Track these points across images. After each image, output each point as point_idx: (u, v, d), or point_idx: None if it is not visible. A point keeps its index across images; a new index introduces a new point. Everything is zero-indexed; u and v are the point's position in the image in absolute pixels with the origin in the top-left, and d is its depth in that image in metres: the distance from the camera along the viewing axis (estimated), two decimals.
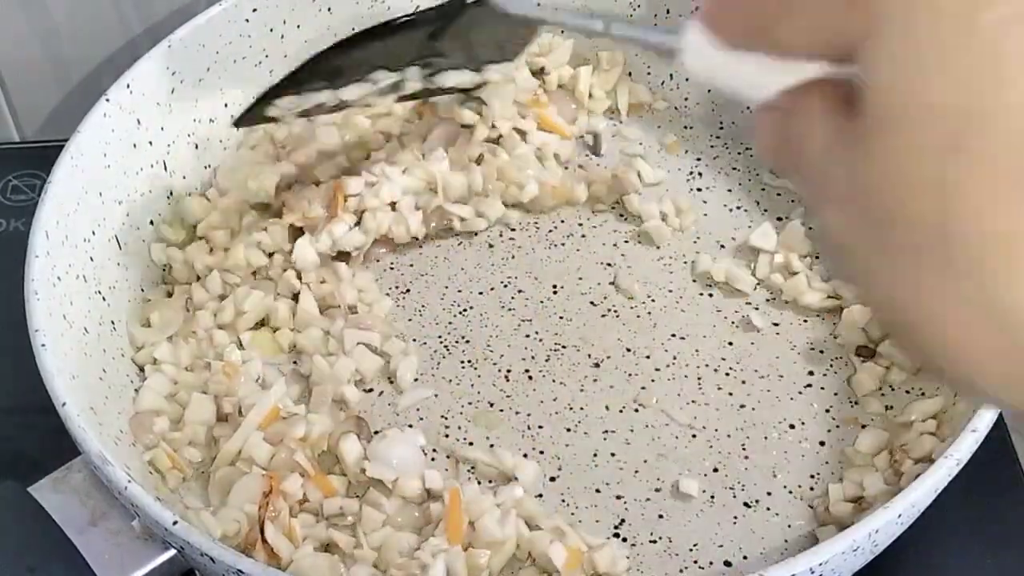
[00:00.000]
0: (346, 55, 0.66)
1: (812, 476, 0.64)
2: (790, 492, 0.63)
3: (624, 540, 0.61)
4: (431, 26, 0.66)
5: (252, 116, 0.67)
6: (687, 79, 0.82)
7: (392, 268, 0.75)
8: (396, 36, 0.66)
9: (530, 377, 0.69)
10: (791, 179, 0.36)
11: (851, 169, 0.32)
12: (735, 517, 0.62)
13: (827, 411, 0.66)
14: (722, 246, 0.75)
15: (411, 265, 0.75)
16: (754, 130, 0.37)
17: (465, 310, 0.72)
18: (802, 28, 0.33)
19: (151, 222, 0.73)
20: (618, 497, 0.63)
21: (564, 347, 0.70)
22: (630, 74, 0.83)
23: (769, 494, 0.63)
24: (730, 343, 0.70)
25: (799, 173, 0.34)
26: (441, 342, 0.71)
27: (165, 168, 0.74)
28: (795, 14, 0.33)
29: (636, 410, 0.67)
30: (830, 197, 0.33)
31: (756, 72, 0.37)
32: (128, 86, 0.71)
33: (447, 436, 0.66)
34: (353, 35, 0.66)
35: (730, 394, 0.67)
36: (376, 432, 0.66)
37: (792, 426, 0.66)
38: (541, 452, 0.65)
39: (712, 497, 0.63)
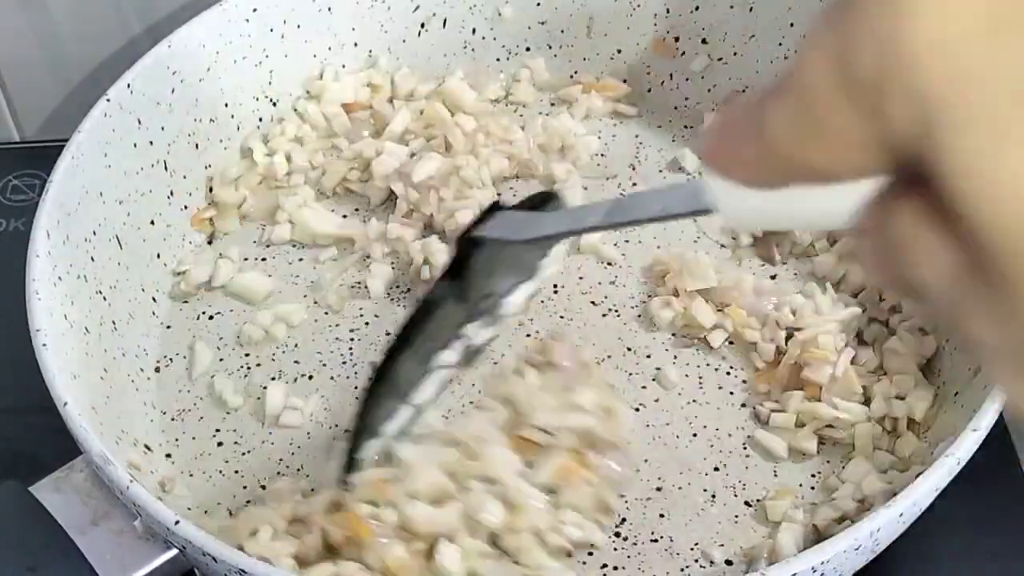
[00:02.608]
0: (393, 372, 0.62)
1: (813, 475, 0.64)
2: (791, 492, 0.63)
3: (625, 539, 0.61)
4: (453, 291, 0.62)
5: (349, 473, 0.61)
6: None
7: (392, 268, 0.75)
8: (429, 320, 0.62)
9: None
10: (910, 299, 0.30)
11: (992, 303, 0.27)
12: (736, 516, 0.62)
13: None
14: (722, 246, 0.75)
15: (411, 264, 0.75)
16: (861, 257, 0.31)
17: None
18: (836, 150, 0.28)
19: (152, 222, 0.73)
20: (619, 496, 0.63)
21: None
22: (624, 80, 0.84)
23: (769, 493, 0.63)
24: (730, 343, 0.70)
25: (927, 300, 0.29)
26: None
27: (165, 168, 0.74)
28: (821, 138, 0.28)
29: (636, 410, 0.67)
30: (972, 323, 0.28)
31: (806, 201, 0.31)
32: (128, 86, 0.71)
33: None
34: (388, 349, 0.61)
35: (730, 394, 0.67)
36: None
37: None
38: None
39: (713, 496, 0.63)
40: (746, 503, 0.63)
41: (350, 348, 0.71)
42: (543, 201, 0.65)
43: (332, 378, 0.69)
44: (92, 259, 0.67)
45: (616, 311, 0.72)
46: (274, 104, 0.80)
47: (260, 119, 0.80)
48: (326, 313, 0.73)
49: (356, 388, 0.68)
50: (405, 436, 0.62)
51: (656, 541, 0.61)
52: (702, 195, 0.35)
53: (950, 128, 0.25)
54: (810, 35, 0.28)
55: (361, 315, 0.72)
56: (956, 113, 0.25)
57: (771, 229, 0.33)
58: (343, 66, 0.82)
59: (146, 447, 0.65)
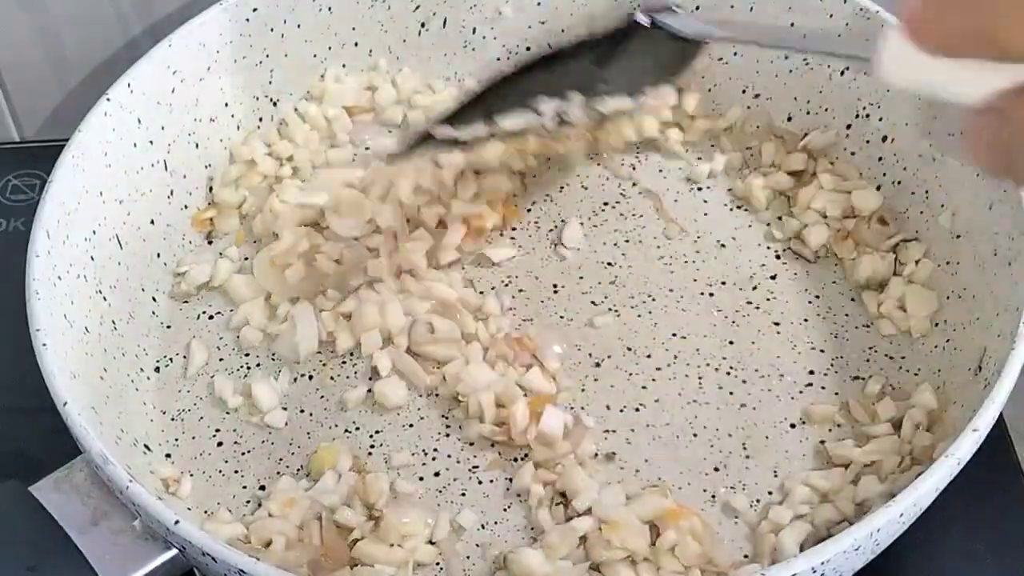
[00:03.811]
0: (509, 84, 0.64)
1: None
2: (791, 492, 0.63)
3: None
4: (598, 51, 0.65)
5: (409, 151, 0.66)
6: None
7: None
8: (561, 63, 0.64)
9: None
10: (1010, 180, 0.36)
11: None
12: (736, 516, 0.62)
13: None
14: (723, 246, 0.75)
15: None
16: (965, 133, 0.36)
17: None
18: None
19: (152, 222, 0.73)
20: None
21: (565, 346, 0.70)
22: None
23: (770, 493, 0.63)
24: (731, 343, 0.70)
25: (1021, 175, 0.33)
26: None
27: (166, 168, 0.74)
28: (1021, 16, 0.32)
29: (636, 410, 0.67)
30: None
31: (962, 74, 0.36)
32: (129, 85, 0.71)
33: (447, 436, 0.66)
34: (521, 64, 0.64)
35: (731, 394, 0.67)
36: (377, 432, 0.66)
37: (793, 426, 0.66)
38: None
39: (713, 497, 0.63)
40: (746, 503, 0.63)
41: (350, 348, 0.71)
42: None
43: (332, 378, 0.69)
44: (92, 259, 0.67)
45: (616, 311, 0.72)
46: (274, 104, 0.80)
47: (260, 119, 0.80)
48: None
49: (356, 388, 0.69)
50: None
51: None
52: (867, 44, 0.39)
53: None
54: None
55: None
56: None
57: (915, 90, 0.37)
58: (343, 66, 0.82)
59: (146, 447, 0.65)
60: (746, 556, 0.61)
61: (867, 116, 0.75)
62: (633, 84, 0.69)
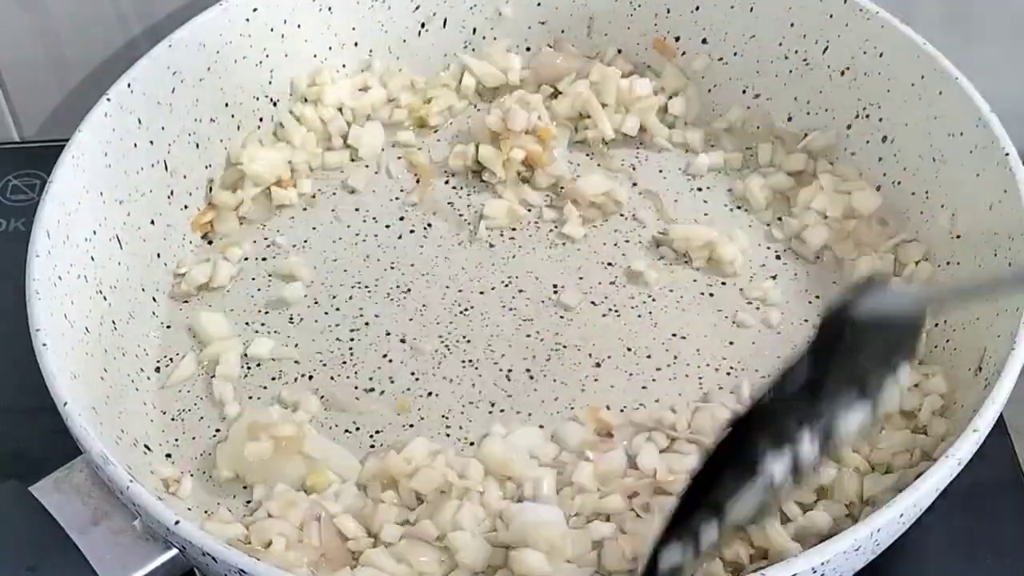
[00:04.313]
0: (724, 467, 0.51)
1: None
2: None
3: None
4: (809, 377, 0.51)
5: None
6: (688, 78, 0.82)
7: (393, 268, 0.75)
8: (775, 413, 0.51)
9: (531, 377, 0.69)
10: None
11: None
12: None
13: None
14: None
15: (412, 265, 0.75)
16: None
17: (466, 310, 0.72)
18: None
19: (152, 222, 0.73)
20: None
21: (565, 347, 0.70)
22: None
23: None
24: (731, 343, 0.70)
25: None
26: (442, 342, 0.71)
27: (166, 168, 0.74)
28: None
29: (636, 410, 0.67)
30: None
31: None
32: (129, 85, 0.71)
33: (448, 436, 0.66)
34: (723, 439, 0.52)
35: (731, 394, 0.67)
36: (378, 431, 0.66)
37: None
38: None
39: None
40: None
41: (350, 348, 0.71)
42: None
43: (332, 378, 0.69)
44: (92, 259, 0.67)
45: (616, 311, 0.72)
46: (274, 104, 0.80)
47: (260, 119, 0.80)
48: (327, 313, 0.73)
49: (356, 388, 0.69)
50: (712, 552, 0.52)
51: None
52: None
53: None
54: None
55: (361, 315, 0.72)
56: None
57: None
58: (343, 66, 0.82)
59: (146, 447, 0.65)
60: (746, 556, 0.60)
61: (867, 116, 0.75)
62: (864, 384, 0.52)
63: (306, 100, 0.80)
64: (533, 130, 0.77)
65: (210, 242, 0.76)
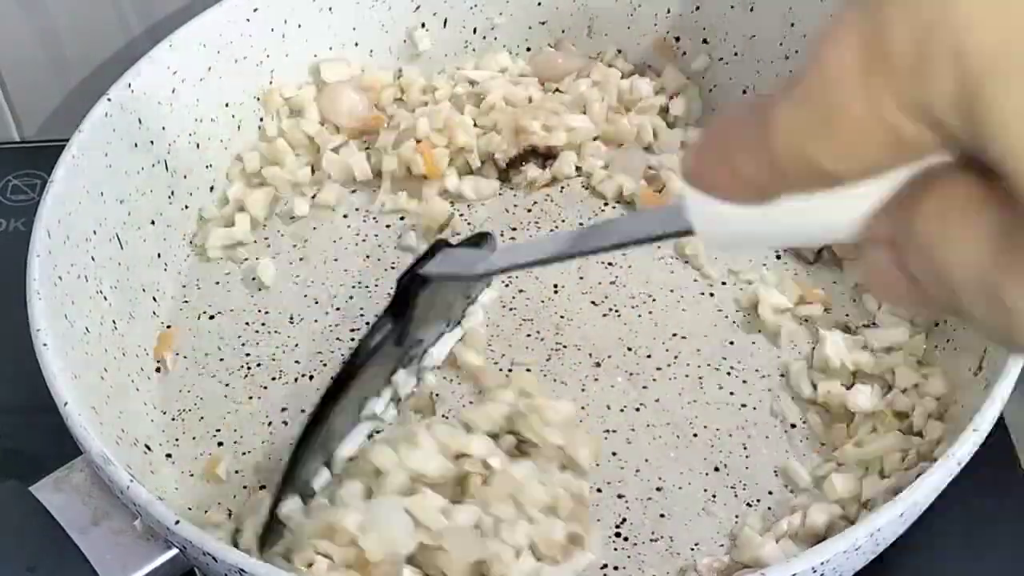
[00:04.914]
0: (327, 420, 0.59)
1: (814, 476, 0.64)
2: (791, 492, 0.63)
3: (626, 539, 0.61)
4: (393, 333, 0.61)
5: (270, 538, 0.58)
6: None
7: (393, 267, 0.75)
8: (367, 367, 0.60)
9: None
10: (936, 310, 0.29)
11: None
12: (736, 516, 0.62)
13: (828, 410, 0.66)
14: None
15: None
16: (865, 274, 0.29)
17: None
18: (854, 144, 0.27)
19: (152, 222, 0.73)
20: (619, 496, 0.63)
21: (565, 347, 0.70)
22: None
23: (771, 493, 0.63)
24: (731, 343, 0.70)
25: (952, 303, 0.27)
26: None
27: (166, 168, 0.74)
28: (839, 132, 0.27)
29: (637, 409, 0.67)
30: (1012, 294, 0.26)
31: (801, 213, 0.29)
32: (129, 85, 0.71)
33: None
34: (324, 395, 0.59)
35: (731, 394, 0.67)
36: (378, 432, 0.66)
37: (793, 425, 0.66)
38: None
39: (713, 496, 0.63)
40: (746, 503, 0.63)
41: (350, 348, 0.71)
42: (480, 241, 0.65)
43: (332, 378, 0.69)
44: (92, 259, 0.67)
45: (616, 311, 0.72)
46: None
47: (261, 119, 0.80)
48: (327, 313, 0.73)
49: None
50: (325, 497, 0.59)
51: (656, 541, 0.61)
52: (678, 215, 0.32)
53: (1001, 87, 0.25)
54: (834, 18, 0.27)
55: (361, 315, 0.73)
56: (1008, 68, 0.25)
57: (757, 247, 0.30)
58: (344, 66, 0.82)
59: (146, 447, 0.65)
60: (746, 556, 0.61)
61: None
62: (449, 319, 0.68)
63: (291, 113, 0.80)
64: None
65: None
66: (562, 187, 0.79)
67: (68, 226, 0.66)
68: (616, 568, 0.60)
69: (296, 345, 0.71)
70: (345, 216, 0.78)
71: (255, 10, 0.77)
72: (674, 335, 0.71)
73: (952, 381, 0.64)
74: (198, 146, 0.76)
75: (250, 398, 0.69)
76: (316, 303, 0.73)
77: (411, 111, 0.80)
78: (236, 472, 0.66)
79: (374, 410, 0.64)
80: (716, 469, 0.64)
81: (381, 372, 0.63)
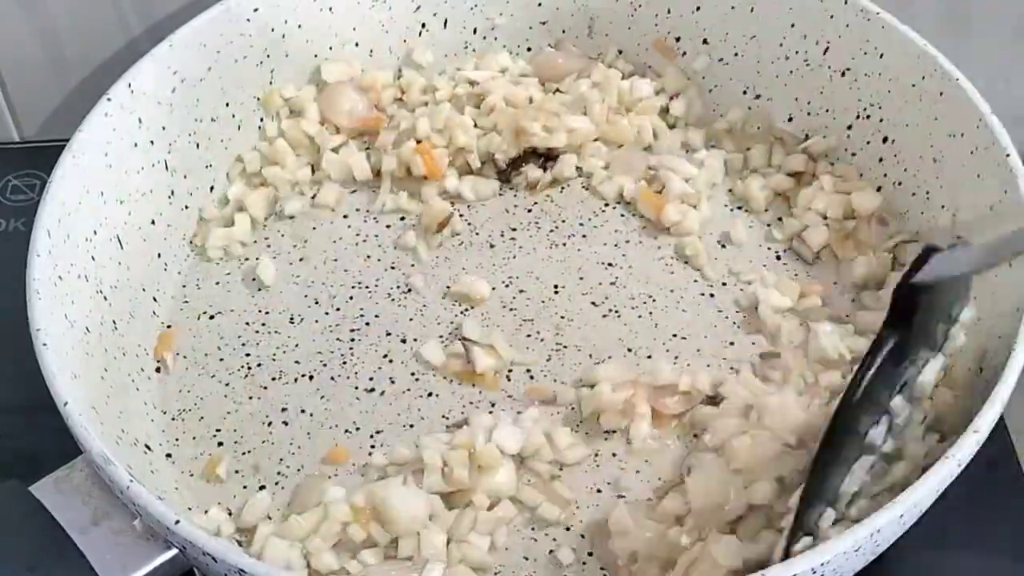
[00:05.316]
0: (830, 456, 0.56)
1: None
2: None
3: None
4: (893, 349, 0.57)
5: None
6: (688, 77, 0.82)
7: (393, 268, 0.75)
8: (869, 390, 0.56)
9: (531, 377, 0.69)
10: None
11: None
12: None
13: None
14: (723, 246, 0.75)
15: (413, 265, 0.75)
16: None
17: (466, 310, 0.72)
18: None
19: (152, 222, 0.73)
20: (620, 496, 0.63)
21: (565, 347, 0.70)
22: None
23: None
24: (731, 343, 0.70)
25: None
26: (442, 341, 0.71)
27: (166, 167, 0.74)
28: None
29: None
30: None
31: None
32: (129, 85, 0.71)
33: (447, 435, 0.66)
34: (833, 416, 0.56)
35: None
36: (378, 432, 0.66)
37: None
38: None
39: None
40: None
41: (350, 348, 0.71)
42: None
43: (332, 378, 0.69)
44: (92, 259, 0.67)
45: (616, 311, 0.72)
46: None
47: (261, 119, 0.80)
48: (327, 313, 0.73)
49: (356, 388, 0.69)
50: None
51: None
52: None
53: None
54: None
55: (361, 315, 0.73)
56: None
57: None
58: (344, 65, 0.82)
59: (146, 447, 0.65)
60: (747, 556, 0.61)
61: (868, 117, 0.75)
62: (934, 340, 0.61)
63: (291, 113, 0.80)
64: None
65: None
66: (562, 188, 0.79)
67: (68, 226, 0.66)
68: None
69: (296, 345, 0.71)
70: (345, 216, 0.78)
71: (255, 10, 0.77)
72: (674, 335, 0.71)
73: (952, 381, 0.64)
74: (198, 146, 0.76)
75: (250, 398, 0.69)
76: (316, 303, 0.73)
77: (411, 111, 0.80)
78: (236, 472, 0.66)
79: (874, 442, 0.58)
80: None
81: (877, 399, 0.58)
